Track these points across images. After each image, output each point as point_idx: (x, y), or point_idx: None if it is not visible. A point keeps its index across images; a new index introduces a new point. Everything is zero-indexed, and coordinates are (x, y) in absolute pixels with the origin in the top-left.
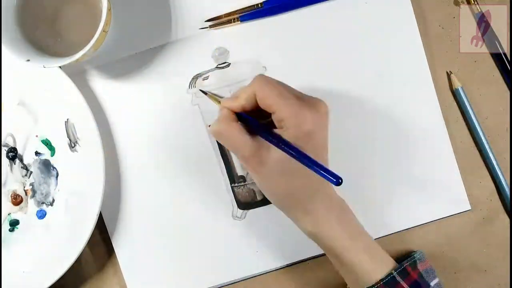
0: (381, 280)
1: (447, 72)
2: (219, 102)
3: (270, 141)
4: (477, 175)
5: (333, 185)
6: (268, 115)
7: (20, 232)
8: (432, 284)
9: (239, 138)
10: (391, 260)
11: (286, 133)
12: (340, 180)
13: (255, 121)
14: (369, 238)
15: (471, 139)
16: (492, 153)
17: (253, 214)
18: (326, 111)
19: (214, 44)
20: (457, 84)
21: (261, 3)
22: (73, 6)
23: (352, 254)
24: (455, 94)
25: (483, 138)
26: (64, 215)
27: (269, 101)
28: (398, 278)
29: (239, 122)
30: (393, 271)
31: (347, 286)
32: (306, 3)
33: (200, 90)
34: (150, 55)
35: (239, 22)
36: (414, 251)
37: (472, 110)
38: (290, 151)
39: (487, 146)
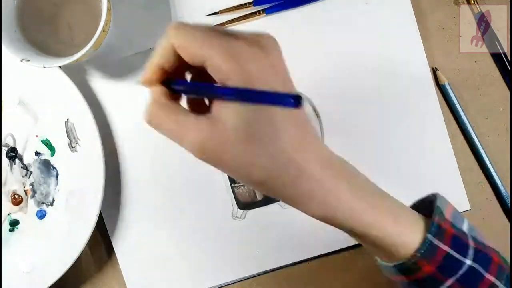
0: (417, 251)
1: (432, 68)
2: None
3: (211, 92)
4: (477, 175)
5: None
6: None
7: (20, 232)
8: (465, 229)
9: (183, 122)
10: (419, 217)
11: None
12: (298, 99)
13: (185, 81)
14: (388, 200)
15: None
16: (486, 154)
17: (253, 214)
18: (272, 44)
19: None
20: (444, 80)
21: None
22: (73, 6)
23: (376, 231)
24: (442, 90)
25: (475, 138)
26: (64, 215)
27: (194, 49)
28: (436, 242)
29: (172, 101)
30: (427, 235)
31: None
32: (302, 3)
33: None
34: (150, 55)
35: (241, 21)
36: (428, 195)
37: (461, 106)
38: (240, 93)
39: (479, 146)
